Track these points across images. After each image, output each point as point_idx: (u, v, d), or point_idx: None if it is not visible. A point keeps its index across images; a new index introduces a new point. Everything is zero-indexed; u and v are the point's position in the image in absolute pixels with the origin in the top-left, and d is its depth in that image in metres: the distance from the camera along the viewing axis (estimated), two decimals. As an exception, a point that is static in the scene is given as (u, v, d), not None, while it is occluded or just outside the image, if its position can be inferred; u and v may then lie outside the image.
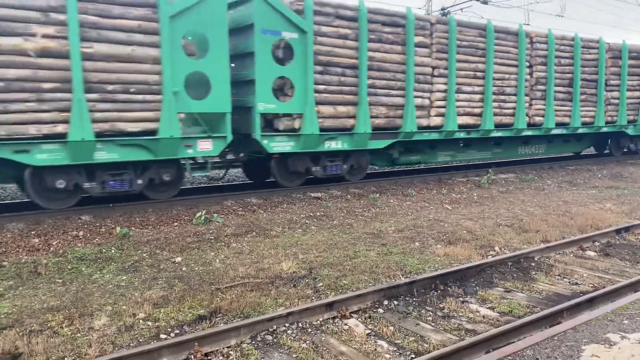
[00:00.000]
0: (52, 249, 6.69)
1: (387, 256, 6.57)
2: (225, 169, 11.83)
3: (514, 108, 13.26)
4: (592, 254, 7.07)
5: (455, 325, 4.68)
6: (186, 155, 8.85)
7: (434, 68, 11.60)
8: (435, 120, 11.82)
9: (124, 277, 5.77)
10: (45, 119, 7.47)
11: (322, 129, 10.12)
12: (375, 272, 5.94)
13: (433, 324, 4.72)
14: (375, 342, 4.34)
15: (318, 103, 10.01)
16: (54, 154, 7.69)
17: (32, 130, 7.41)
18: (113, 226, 7.65)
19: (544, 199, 10.78)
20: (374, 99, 10.73)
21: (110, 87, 7.88)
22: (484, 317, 4.88)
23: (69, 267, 6.07)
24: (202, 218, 8.09)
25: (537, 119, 13.87)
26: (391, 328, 4.57)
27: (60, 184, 8.00)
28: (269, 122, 9.95)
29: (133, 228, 7.67)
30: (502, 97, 12.97)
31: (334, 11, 10.05)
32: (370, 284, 5.55)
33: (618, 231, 8.00)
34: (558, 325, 3.99)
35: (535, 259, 6.61)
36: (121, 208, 8.63)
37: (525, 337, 3.99)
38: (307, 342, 4.32)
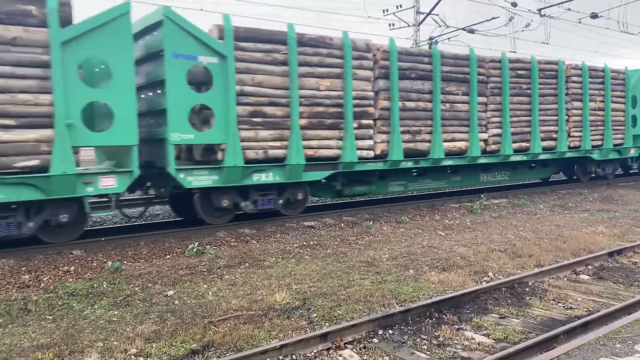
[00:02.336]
0: (42, 285, 6.61)
1: (381, 285, 6.54)
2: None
3: None
4: (585, 277, 7.08)
5: (451, 354, 4.65)
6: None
7: None
8: None
9: (116, 312, 5.70)
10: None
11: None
12: (369, 301, 5.91)
13: (428, 352, 4.68)
14: (370, 372, 4.29)
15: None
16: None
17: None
18: (105, 260, 7.59)
19: (536, 223, 10.82)
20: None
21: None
22: (479, 344, 4.85)
23: (59, 303, 5.99)
24: (195, 250, 8.05)
25: None
26: (386, 358, 4.53)
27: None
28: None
29: (125, 262, 7.61)
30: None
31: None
32: (364, 314, 5.51)
33: (611, 254, 8.04)
34: (551, 351, 3.97)
35: (529, 284, 6.61)
36: (113, 242, 8.58)
37: (520, 364, 3.97)
38: (302, 374, 4.26)
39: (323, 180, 10.81)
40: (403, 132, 11.35)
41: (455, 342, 4.89)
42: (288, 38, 9.68)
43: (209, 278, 6.94)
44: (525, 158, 14.16)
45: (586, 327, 4.91)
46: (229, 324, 5.20)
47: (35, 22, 7.39)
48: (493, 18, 24.83)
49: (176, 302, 6.01)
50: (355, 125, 10.58)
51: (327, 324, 5.27)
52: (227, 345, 4.75)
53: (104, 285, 6.57)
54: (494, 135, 13.22)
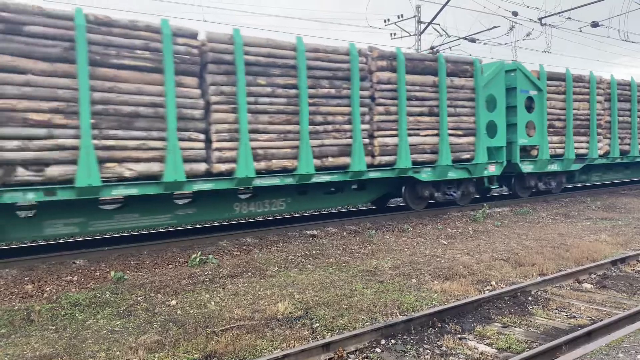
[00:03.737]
0: (45, 295, 6.63)
1: (384, 294, 6.53)
2: None
3: None
4: (588, 286, 7.05)
5: (454, 363, 4.63)
6: None
7: None
8: None
9: (118, 322, 5.71)
10: None
11: None
12: (372, 310, 5.90)
13: (431, 362, 4.66)
14: (373, 382, 4.28)
15: None
16: None
17: None
18: (108, 270, 7.61)
19: (539, 232, 10.80)
20: None
21: None
22: (482, 353, 4.83)
23: (62, 313, 6.00)
24: (197, 259, 8.06)
25: None
26: (389, 368, 4.51)
27: None
28: None
29: (128, 271, 7.63)
30: None
31: None
32: (367, 323, 5.50)
33: (614, 262, 8.01)
34: (555, 361, 3.96)
35: (532, 293, 6.59)
36: (116, 251, 8.61)
37: (523, 374, 3.96)
38: (304, 384, 4.25)
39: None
40: (618, 138, 16.71)
41: (458, 351, 4.88)
42: (566, 77, 15.11)
43: (212, 288, 6.94)
44: None
45: (589, 336, 4.89)
46: (231, 334, 5.20)
47: (469, 75, 12.65)
48: (494, 27, 24.94)
49: (179, 312, 6.02)
50: (595, 132, 15.84)
51: (329, 333, 5.26)
52: (230, 355, 4.74)
53: (107, 295, 6.58)
54: None
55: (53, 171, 7.60)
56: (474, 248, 9.26)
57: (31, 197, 7.60)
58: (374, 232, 10.41)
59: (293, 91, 9.84)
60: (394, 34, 26.83)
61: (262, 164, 9.44)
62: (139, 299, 6.48)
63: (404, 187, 12.84)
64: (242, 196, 10.69)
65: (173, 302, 6.33)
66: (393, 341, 5.09)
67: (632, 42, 24.67)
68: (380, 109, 11.14)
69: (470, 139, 12.73)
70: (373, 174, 11.14)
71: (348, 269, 7.84)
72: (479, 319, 5.71)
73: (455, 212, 13.08)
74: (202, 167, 8.88)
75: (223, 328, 5.37)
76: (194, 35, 8.89)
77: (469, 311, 5.88)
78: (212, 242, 9.44)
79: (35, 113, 7.43)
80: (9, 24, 7.25)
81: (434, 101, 11.98)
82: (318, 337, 5.17)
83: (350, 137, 10.64)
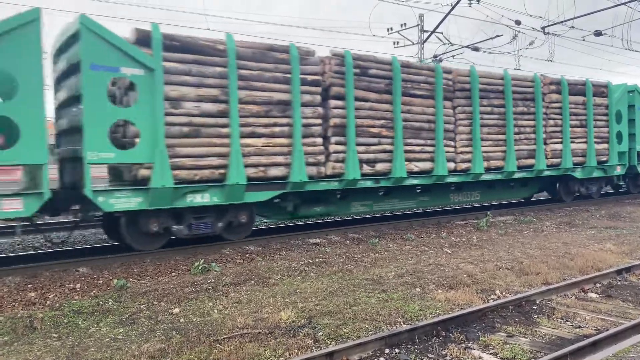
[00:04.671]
0: (48, 302, 6.62)
1: (387, 303, 6.50)
2: None
3: None
4: (594, 295, 7.01)
5: (458, 373, 4.59)
6: None
7: None
8: None
9: (121, 330, 5.69)
10: None
11: None
12: (376, 319, 5.87)
13: (435, 372, 4.62)
14: (377, 392, 4.24)
15: None
16: None
17: None
18: (110, 278, 7.60)
19: (543, 241, 10.76)
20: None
21: None
22: (487, 363, 4.79)
23: (65, 320, 5.99)
24: (200, 267, 8.05)
25: None
26: (393, 377, 4.48)
27: None
28: None
29: (131, 279, 7.62)
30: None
31: None
32: (371, 332, 5.47)
33: (619, 272, 7.96)
34: (561, 371, 3.92)
35: (537, 302, 6.55)
36: (119, 259, 8.60)
37: (529, 384, 3.91)
38: (307, 394, 4.22)
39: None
40: None
41: (463, 361, 4.84)
42: None
43: (215, 296, 6.92)
44: None
45: (595, 346, 4.85)
46: (234, 343, 5.17)
47: (604, 95, 16.08)
48: (497, 36, 25.00)
49: (181, 320, 6.00)
50: None
51: (333, 342, 5.23)
52: (233, 364, 4.71)
53: (110, 303, 6.56)
54: None
55: (379, 167, 11.20)
56: (478, 257, 9.22)
57: (368, 184, 11.17)
58: (377, 240, 10.38)
59: (502, 109, 13.44)
60: (397, 43, 26.93)
61: (485, 164, 12.94)
62: (141, 306, 6.47)
63: (558, 184, 16.41)
64: (452, 187, 13.80)
65: (176, 310, 6.31)
66: (397, 350, 5.05)
67: (636, 50, 24.68)
68: (551, 122, 14.69)
69: (606, 145, 16.17)
70: (547, 172, 14.60)
71: (351, 278, 7.81)
72: (484, 329, 5.67)
73: (459, 221, 13.05)
74: (452, 165, 12.42)
75: (226, 336, 5.35)
76: (450, 71, 12.59)
77: (473, 320, 5.84)
78: (215, 250, 9.42)
79: (372, 128, 11.09)
80: (361, 69, 10.92)
81: (583, 116, 15.50)
82: (321, 346, 5.14)
83: (534, 144, 14.19)
